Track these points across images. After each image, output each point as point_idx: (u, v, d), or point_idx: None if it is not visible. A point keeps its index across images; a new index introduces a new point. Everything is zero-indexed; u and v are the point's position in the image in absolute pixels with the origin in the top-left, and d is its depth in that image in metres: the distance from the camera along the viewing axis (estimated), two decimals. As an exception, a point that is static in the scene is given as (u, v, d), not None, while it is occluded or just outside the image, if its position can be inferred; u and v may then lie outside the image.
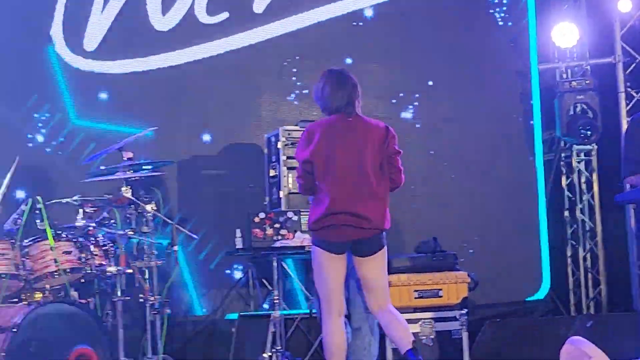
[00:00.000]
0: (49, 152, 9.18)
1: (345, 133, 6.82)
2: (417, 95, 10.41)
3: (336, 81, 6.96)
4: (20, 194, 8.26)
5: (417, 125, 10.41)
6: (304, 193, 7.06)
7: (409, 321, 8.05)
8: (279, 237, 8.44)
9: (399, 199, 8.45)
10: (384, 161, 6.82)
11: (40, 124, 9.21)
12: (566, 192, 11.04)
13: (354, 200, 6.72)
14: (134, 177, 7.56)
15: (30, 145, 9.12)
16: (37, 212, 7.00)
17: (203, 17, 9.97)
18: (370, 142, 6.81)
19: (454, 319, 8.31)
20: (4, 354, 6.40)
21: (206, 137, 9.76)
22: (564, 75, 10.80)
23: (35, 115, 9.23)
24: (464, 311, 8.33)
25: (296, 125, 9.03)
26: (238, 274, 9.36)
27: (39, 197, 7.06)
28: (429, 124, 10.46)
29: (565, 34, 10.54)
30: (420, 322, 8.27)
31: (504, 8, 10.86)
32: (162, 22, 9.88)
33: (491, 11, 10.87)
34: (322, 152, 6.76)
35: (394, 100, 10.32)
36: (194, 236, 8.02)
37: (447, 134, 10.50)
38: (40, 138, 9.18)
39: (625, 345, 7.14)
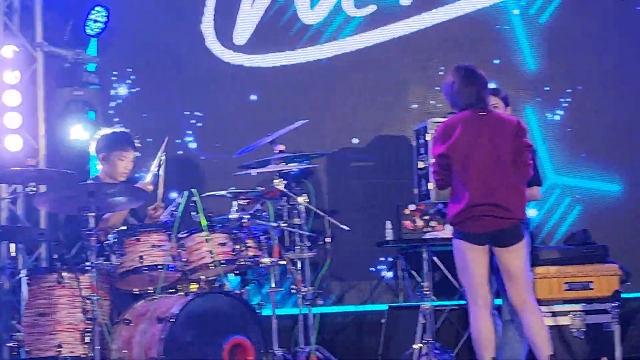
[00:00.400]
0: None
1: (481, 128, 6.83)
2: (568, 91, 10.23)
3: (465, 77, 6.96)
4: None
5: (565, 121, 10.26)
6: (440, 188, 7.10)
7: (559, 313, 8.04)
8: (429, 229, 8.44)
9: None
10: (516, 154, 6.81)
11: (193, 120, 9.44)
12: None
13: (493, 191, 6.73)
14: (286, 169, 7.62)
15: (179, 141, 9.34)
16: (193, 204, 7.09)
17: (351, 10, 10.02)
18: (504, 136, 6.82)
19: (605, 311, 8.15)
20: (162, 343, 6.51)
21: (354, 130, 9.81)
22: None
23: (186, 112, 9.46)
24: (616, 304, 8.17)
25: (444, 117, 8.99)
26: (386, 266, 9.38)
27: (194, 190, 7.15)
28: (579, 120, 10.28)
29: None
30: (570, 315, 8.14)
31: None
32: (310, 15, 9.98)
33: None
34: (460, 147, 6.78)
35: (539, 99, 10.20)
36: (345, 228, 8.02)
37: (597, 127, 10.31)
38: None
39: None
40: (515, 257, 6.89)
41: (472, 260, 6.86)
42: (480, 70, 7.02)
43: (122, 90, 9.55)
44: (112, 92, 9.47)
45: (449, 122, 6.98)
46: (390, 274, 9.33)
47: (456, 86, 6.94)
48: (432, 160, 7.17)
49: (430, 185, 8.72)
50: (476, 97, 6.89)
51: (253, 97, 9.73)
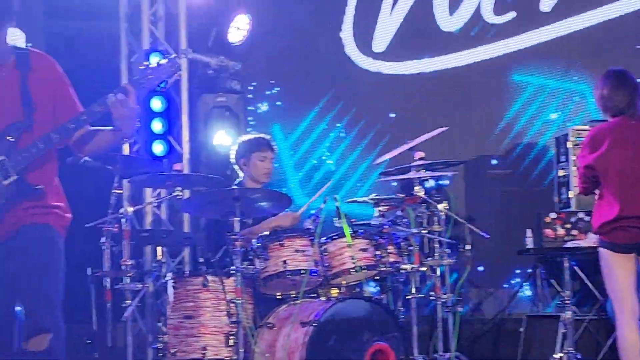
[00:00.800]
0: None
1: (631, 137, 6.70)
2: None
3: (615, 81, 6.82)
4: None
5: None
6: (586, 194, 7.02)
7: None
8: (571, 238, 8.35)
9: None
10: None
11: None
12: None
13: None
14: (426, 176, 7.63)
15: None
16: (335, 210, 7.13)
17: (490, 17, 10.00)
18: None
19: None
20: (305, 347, 6.56)
21: (493, 137, 9.79)
22: None
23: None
24: None
25: (586, 125, 8.92)
26: (524, 274, 9.32)
27: (336, 196, 7.20)
28: None
29: None
30: None
31: None
32: (449, 22, 9.99)
33: None
34: (609, 159, 6.67)
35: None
36: (485, 235, 8.00)
37: None
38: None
39: None
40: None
41: (619, 269, 6.74)
42: (632, 75, 6.92)
43: (262, 97, 9.67)
44: (251, 97, 9.58)
45: (597, 131, 6.87)
46: (528, 283, 9.24)
47: (606, 92, 6.83)
48: (577, 168, 7.09)
49: (572, 194, 8.66)
50: (626, 102, 6.80)
51: (391, 104, 9.75)
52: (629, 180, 6.66)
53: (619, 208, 6.62)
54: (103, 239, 7.11)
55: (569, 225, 8.41)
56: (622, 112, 6.78)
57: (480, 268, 9.25)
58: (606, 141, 6.71)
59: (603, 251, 6.80)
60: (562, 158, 8.97)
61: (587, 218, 8.31)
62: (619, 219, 6.62)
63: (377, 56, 9.86)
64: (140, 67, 5.02)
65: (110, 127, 4.90)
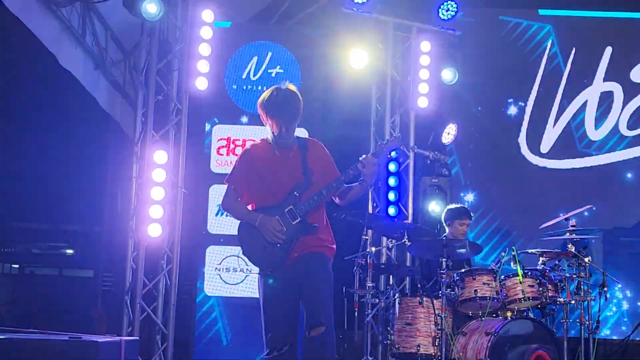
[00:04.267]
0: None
1: None
2: None
3: None
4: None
5: None
6: None
7: None
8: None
9: None
10: None
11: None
12: None
13: None
14: (576, 238, 7.44)
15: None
16: (512, 257, 7.06)
17: (625, 131, 9.74)
18: None
19: None
20: (488, 349, 6.50)
21: (625, 213, 9.48)
22: None
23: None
24: None
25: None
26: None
27: (513, 247, 7.14)
28: None
29: None
30: None
31: None
32: (595, 133, 9.77)
33: None
34: None
35: None
36: (618, 282, 7.74)
37: None
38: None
39: None
40: None
41: None
42: None
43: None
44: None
45: None
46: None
47: None
48: None
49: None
50: None
51: (550, 187, 9.60)
52: None
53: None
54: (355, 268, 7.26)
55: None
56: None
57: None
58: None
59: None
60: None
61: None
62: None
63: (543, 155, 9.73)
64: (378, 144, 5.20)
65: (359, 181, 5.03)
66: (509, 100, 9.79)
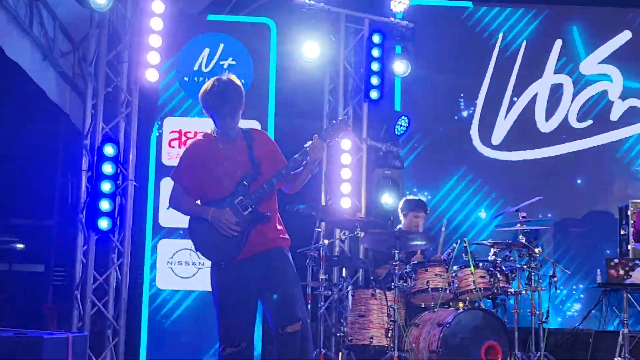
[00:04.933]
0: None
1: None
2: None
3: None
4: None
5: None
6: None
7: None
8: (628, 277, 8.07)
9: None
10: None
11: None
12: None
13: None
14: (526, 229, 7.50)
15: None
16: (464, 248, 7.09)
17: (574, 124, 9.82)
18: None
19: None
20: (440, 340, 6.51)
21: (573, 205, 9.56)
22: None
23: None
24: None
25: (640, 199, 8.65)
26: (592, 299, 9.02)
27: (465, 239, 7.17)
28: None
29: None
30: None
31: None
32: (545, 126, 9.84)
33: None
34: None
35: None
36: (567, 272, 7.82)
37: None
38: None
39: None
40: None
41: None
42: None
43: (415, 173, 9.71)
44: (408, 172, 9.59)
45: None
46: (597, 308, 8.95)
47: None
48: (633, 228, 6.88)
49: (630, 246, 8.40)
50: None
51: (503, 180, 9.64)
52: None
53: None
54: (308, 260, 7.24)
55: (627, 268, 8.13)
56: None
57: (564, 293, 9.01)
58: None
59: None
60: (624, 221, 8.72)
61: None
62: None
63: (495, 147, 9.78)
64: (324, 127, 5.15)
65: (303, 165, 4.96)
66: (461, 93, 9.80)
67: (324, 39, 8.78)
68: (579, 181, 9.73)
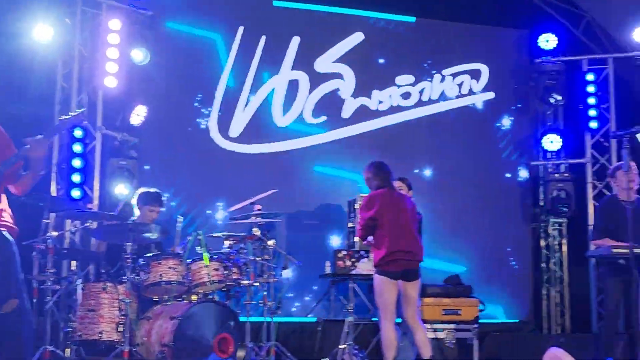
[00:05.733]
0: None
1: (394, 201, 7.00)
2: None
3: (375, 169, 7.13)
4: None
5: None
6: (362, 240, 7.14)
7: (438, 330, 8.10)
8: (354, 267, 8.47)
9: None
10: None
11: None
12: (543, 251, 10.76)
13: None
14: (261, 222, 7.64)
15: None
16: (198, 240, 7.08)
17: (309, 119, 10.11)
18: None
19: (469, 330, 8.24)
20: (172, 334, 6.46)
21: (301, 197, 9.86)
22: (550, 169, 10.47)
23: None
24: (476, 325, 8.25)
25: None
26: (323, 291, 9.37)
27: (200, 231, 7.17)
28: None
29: (552, 142, 10.43)
30: (445, 331, 8.21)
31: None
32: (281, 120, 10.05)
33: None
34: (382, 213, 6.89)
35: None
36: (298, 263, 8.05)
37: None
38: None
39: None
40: (414, 288, 6.95)
41: (387, 290, 6.88)
42: (386, 164, 7.17)
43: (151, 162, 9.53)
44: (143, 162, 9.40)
45: (370, 197, 7.08)
46: (325, 297, 9.29)
47: (370, 175, 7.15)
48: (359, 222, 7.18)
49: (356, 239, 8.79)
50: (385, 180, 7.10)
51: (239, 172, 9.72)
52: (395, 228, 6.85)
53: (388, 246, 6.79)
54: (34, 253, 6.89)
55: (354, 259, 8.53)
56: (383, 187, 6.99)
57: (295, 285, 9.24)
58: (377, 202, 6.90)
59: (378, 277, 6.90)
60: (352, 215, 9.11)
61: (364, 254, 8.47)
62: (389, 253, 6.79)
63: (232, 140, 9.84)
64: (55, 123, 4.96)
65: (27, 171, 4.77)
66: (197, 85, 9.74)
67: (59, 22, 8.43)
68: (314, 173, 9.99)
